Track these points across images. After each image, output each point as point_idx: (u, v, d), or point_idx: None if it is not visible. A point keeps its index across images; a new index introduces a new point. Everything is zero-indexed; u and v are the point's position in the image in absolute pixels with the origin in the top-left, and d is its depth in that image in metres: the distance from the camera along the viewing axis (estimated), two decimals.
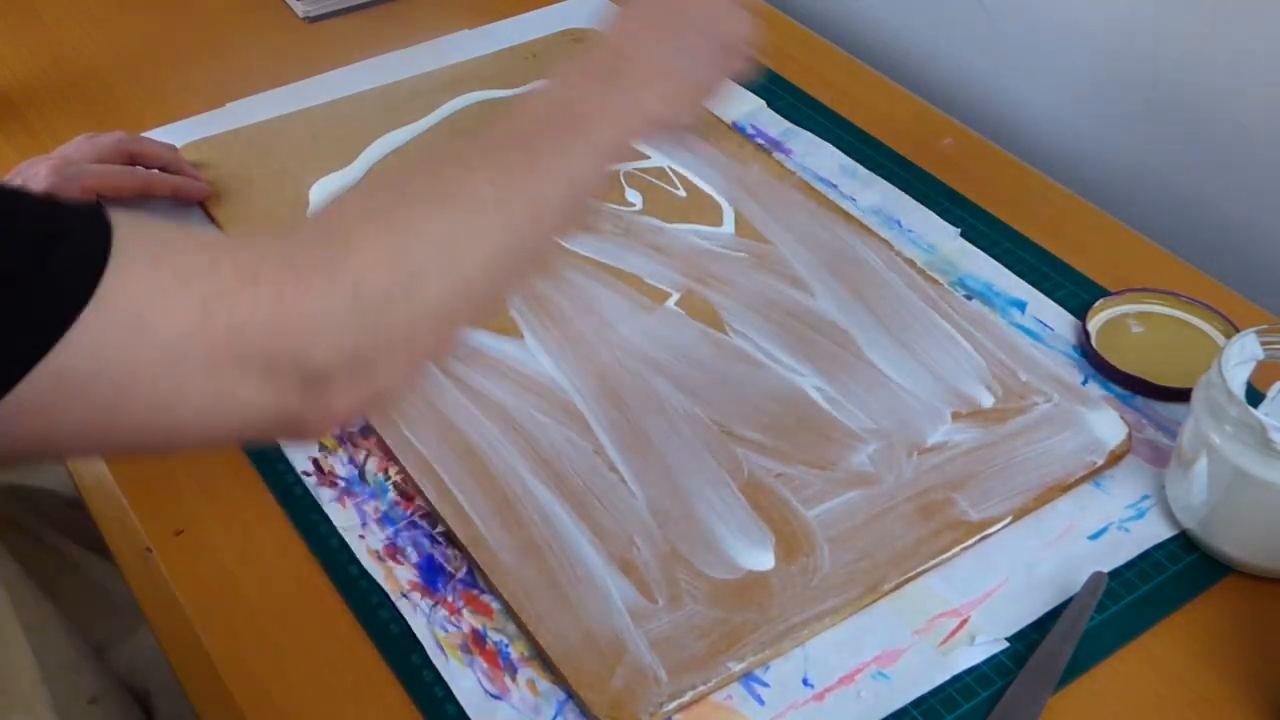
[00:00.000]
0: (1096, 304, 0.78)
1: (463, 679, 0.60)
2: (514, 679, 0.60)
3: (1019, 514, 0.66)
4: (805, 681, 0.60)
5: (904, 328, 0.76)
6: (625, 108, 0.58)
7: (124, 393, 0.43)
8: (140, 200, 0.83)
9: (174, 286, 0.43)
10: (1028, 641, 0.61)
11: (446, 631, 0.62)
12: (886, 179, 0.88)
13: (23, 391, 0.41)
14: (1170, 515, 0.67)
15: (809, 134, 0.93)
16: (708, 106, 0.65)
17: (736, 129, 0.92)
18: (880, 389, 0.72)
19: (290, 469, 0.69)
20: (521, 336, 0.75)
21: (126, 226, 0.43)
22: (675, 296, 0.78)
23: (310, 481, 0.68)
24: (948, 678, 0.60)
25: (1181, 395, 0.70)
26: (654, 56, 0.61)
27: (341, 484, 0.68)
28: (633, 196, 0.86)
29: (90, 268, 0.42)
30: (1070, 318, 0.78)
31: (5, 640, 0.69)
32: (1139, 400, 0.73)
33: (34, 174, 0.78)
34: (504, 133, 0.56)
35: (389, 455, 0.69)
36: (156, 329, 0.43)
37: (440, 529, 0.66)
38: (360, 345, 0.47)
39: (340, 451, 0.70)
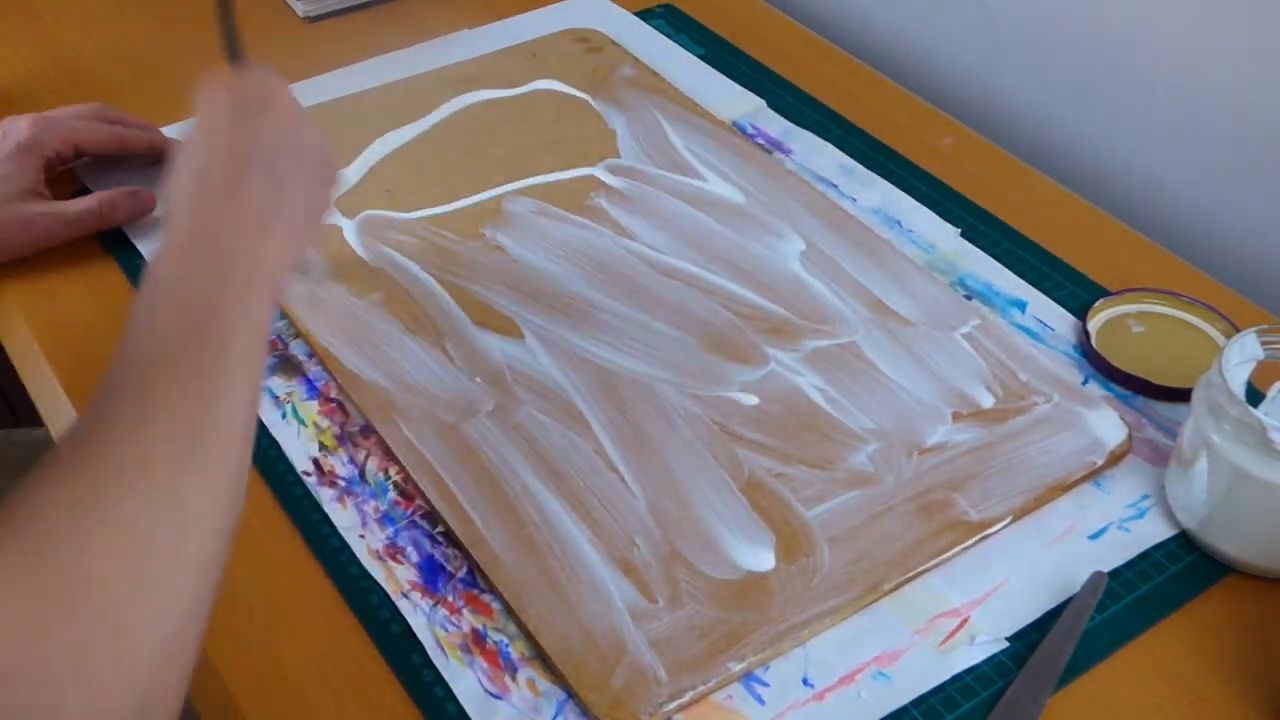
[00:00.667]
0: (1096, 304, 0.78)
1: (463, 679, 0.60)
2: (514, 679, 0.60)
3: (1019, 514, 0.66)
4: (805, 681, 0.60)
5: (904, 328, 0.76)
6: (245, 277, 0.55)
7: None
8: (118, 160, 0.86)
9: None
10: (1028, 641, 0.61)
11: (447, 631, 0.62)
12: (886, 179, 0.88)
13: None
14: (1170, 515, 0.67)
15: (809, 134, 0.93)
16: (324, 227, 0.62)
17: (737, 129, 0.93)
18: (880, 389, 0.72)
19: (290, 469, 0.69)
20: (522, 336, 0.75)
21: None
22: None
23: (310, 481, 0.68)
24: (948, 678, 0.60)
25: (1181, 395, 0.70)
26: (251, 203, 0.57)
27: (341, 484, 0.68)
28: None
29: None
30: (1070, 318, 0.78)
31: None
32: (1139, 400, 0.73)
33: (15, 127, 0.81)
34: (143, 358, 0.50)
35: (389, 455, 0.69)
36: None
37: (440, 529, 0.66)
38: (132, 678, 0.42)
39: (340, 451, 0.70)
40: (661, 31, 1.04)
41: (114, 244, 0.83)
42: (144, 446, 0.47)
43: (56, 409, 0.75)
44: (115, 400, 0.49)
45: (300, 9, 1.07)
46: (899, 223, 0.85)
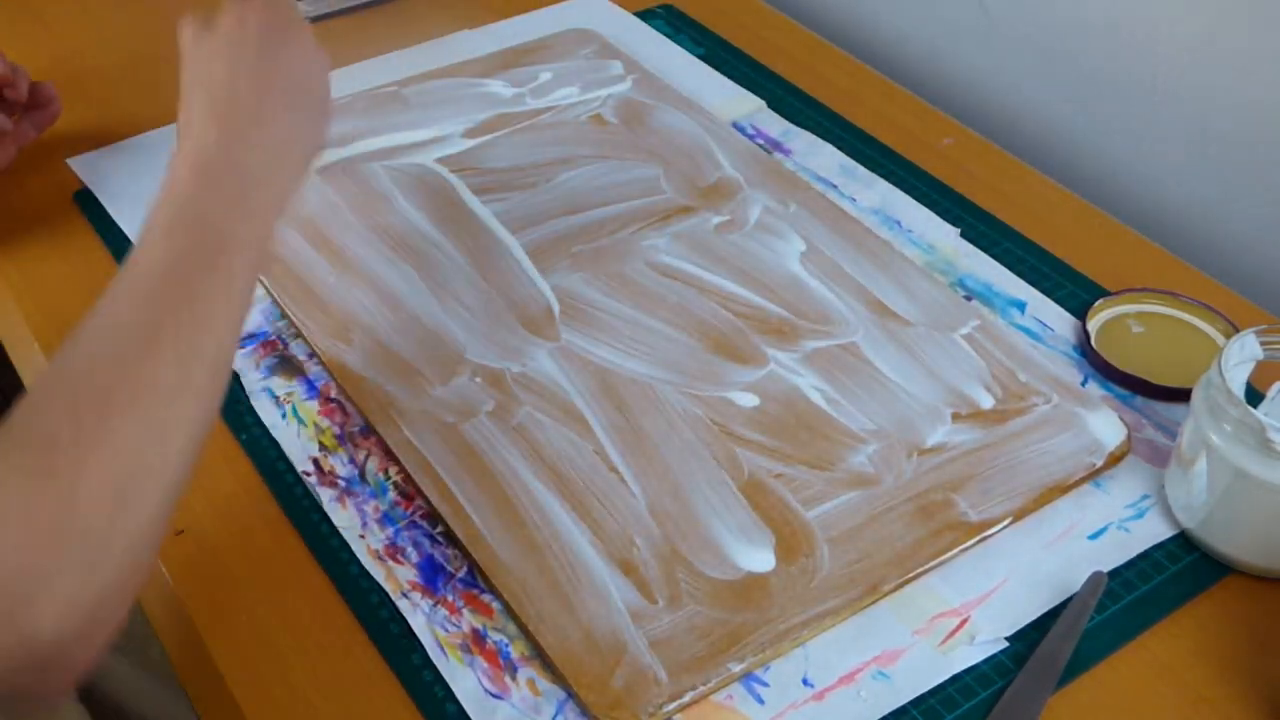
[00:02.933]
0: (1096, 304, 0.78)
1: (463, 678, 0.60)
2: (514, 678, 0.60)
3: (1019, 514, 0.66)
4: (805, 681, 0.60)
5: (903, 328, 0.76)
6: (261, 202, 0.57)
7: None
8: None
9: None
10: (1028, 641, 0.61)
11: (447, 631, 0.62)
12: (886, 179, 0.88)
13: None
14: (1170, 515, 0.67)
15: (809, 134, 0.93)
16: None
17: (737, 129, 0.93)
18: (880, 389, 0.72)
19: (290, 469, 0.69)
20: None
21: None
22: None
23: (310, 481, 0.68)
24: (948, 678, 0.60)
25: (1181, 395, 0.70)
26: (278, 130, 0.59)
27: (342, 484, 0.68)
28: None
29: None
30: (1070, 318, 0.78)
31: None
32: (1139, 400, 0.73)
33: None
34: (156, 276, 0.53)
35: (389, 455, 0.69)
36: None
37: (440, 529, 0.66)
38: (90, 598, 0.45)
39: (340, 451, 0.70)
40: (661, 31, 1.04)
41: (114, 243, 0.83)
42: (149, 375, 0.50)
43: None
44: (126, 314, 0.51)
45: (300, 9, 1.07)
46: (899, 223, 0.85)
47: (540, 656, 0.60)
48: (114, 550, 0.46)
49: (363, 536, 0.66)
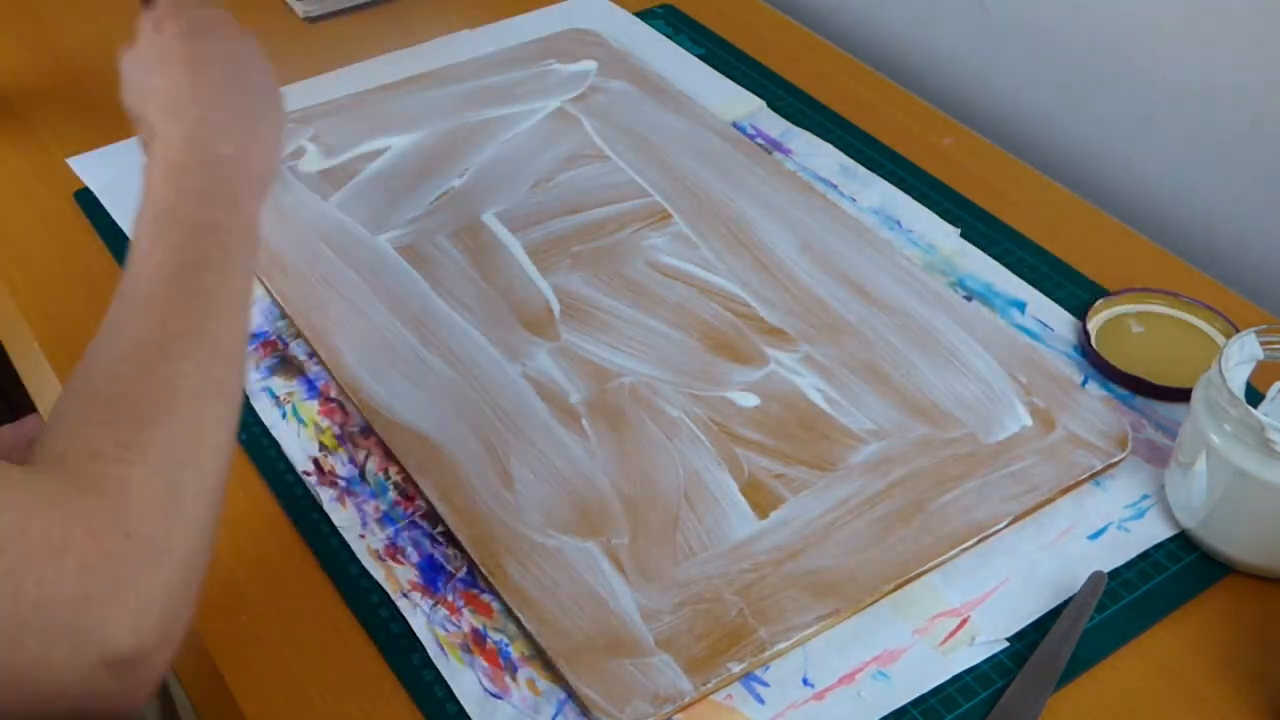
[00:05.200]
0: (1096, 304, 0.78)
1: (463, 678, 0.60)
2: (514, 678, 0.60)
3: (1019, 514, 0.66)
4: (805, 681, 0.60)
5: (903, 328, 0.76)
6: (240, 185, 0.57)
7: None
8: None
9: None
10: (1028, 641, 0.61)
11: (447, 631, 0.62)
12: (886, 179, 0.88)
13: None
14: (1170, 515, 0.67)
15: (809, 134, 0.93)
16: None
17: (737, 129, 0.93)
18: (880, 389, 0.72)
19: (290, 469, 0.69)
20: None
21: None
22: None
23: (310, 481, 0.68)
24: (948, 678, 0.60)
25: (1181, 395, 0.70)
26: (232, 106, 0.60)
27: (342, 484, 0.68)
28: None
29: None
30: (1070, 318, 0.78)
31: None
32: (1139, 400, 0.73)
33: None
34: (157, 282, 0.53)
35: (389, 455, 0.69)
36: None
37: (440, 529, 0.66)
38: (160, 600, 0.46)
39: (340, 451, 0.70)
40: (661, 31, 1.04)
41: (114, 243, 0.83)
42: (172, 379, 0.50)
43: None
44: (136, 325, 0.52)
45: (300, 9, 1.07)
46: (899, 223, 0.85)
47: (540, 656, 0.60)
48: (173, 550, 0.47)
49: (363, 536, 0.66)
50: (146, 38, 0.63)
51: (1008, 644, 0.61)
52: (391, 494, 0.68)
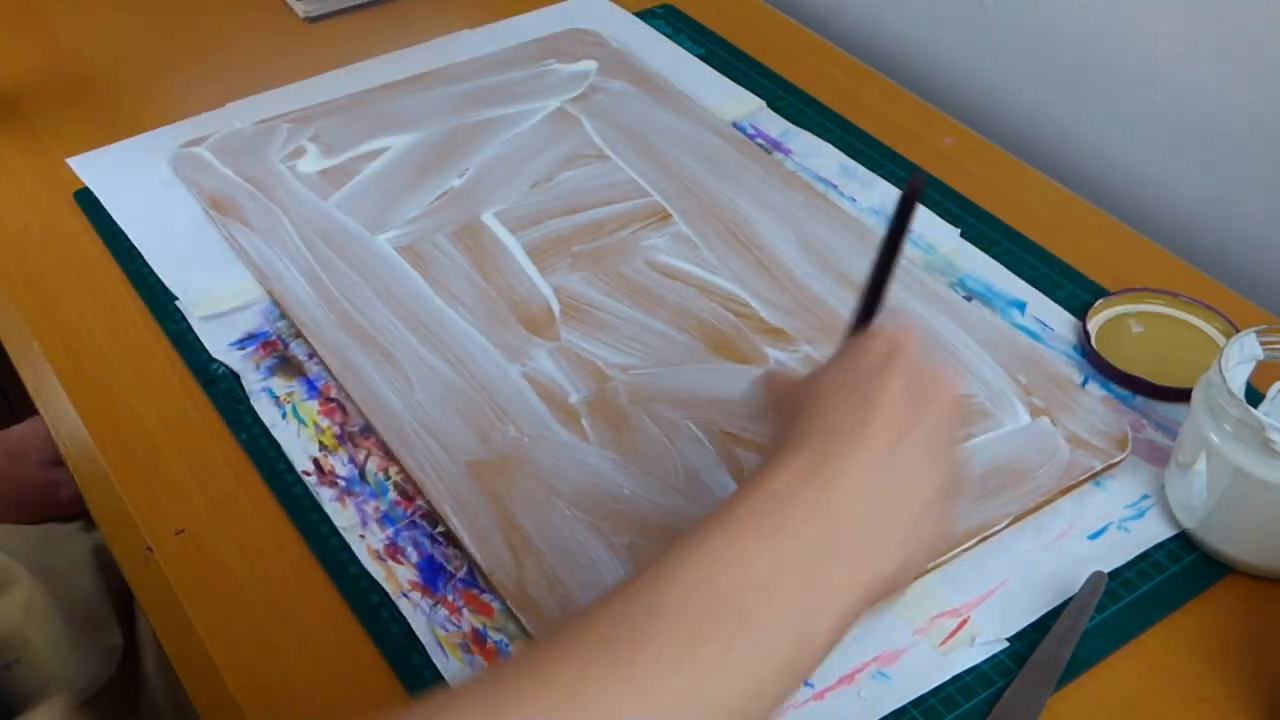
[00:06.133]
0: (1096, 304, 0.78)
1: (463, 678, 0.60)
2: None
3: (1019, 515, 0.66)
4: (805, 681, 0.60)
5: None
6: (827, 595, 0.42)
7: None
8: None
9: None
10: (1028, 641, 0.61)
11: (447, 631, 0.62)
12: (886, 179, 0.88)
13: None
14: (1170, 515, 0.67)
15: (809, 134, 0.93)
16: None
17: (737, 129, 0.93)
18: None
19: (290, 469, 0.69)
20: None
21: None
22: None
23: (310, 481, 0.68)
24: (948, 678, 0.60)
25: (1181, 395, 0.70)
26: (885, 494, 0.45)
27: (342, 484, 0.68)
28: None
29: None
30: (1070, 318, 0.78)
31: None
32: (1139, 400, 0.73)
33: None
34: (632, 628, 0.39)
35: (389, 455, 0.69)
36: None
37: (440, 529, 0.66)
38: None
39: (340, 451, 0.70)
40: (661, 31, 1.04)
41: (115, 241, 0.83)
42: None
43: (56, 409, 0.75)
44: (554, 667, 0.39)
45: (300, 9, 1.07)
46: None
47: None
48: None
49: (363, 536, 0.66)
50: (895, 359, 0.49)
51: (1008, 644, 0.61)
52: (391, 494, 0.68)
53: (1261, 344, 0.65)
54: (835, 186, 0.88)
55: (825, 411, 0.47)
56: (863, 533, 0.44)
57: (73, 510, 0.89)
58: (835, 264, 0.80)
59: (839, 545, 0.43)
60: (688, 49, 1.02)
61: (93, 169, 0.89)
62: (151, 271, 0.81)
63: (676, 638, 0.39)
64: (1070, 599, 0.62)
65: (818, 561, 0.43)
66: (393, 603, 0.63)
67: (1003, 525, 0.65)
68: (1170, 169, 0.90)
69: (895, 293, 0.78)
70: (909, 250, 0.82)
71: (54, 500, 0.97)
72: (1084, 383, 0.74)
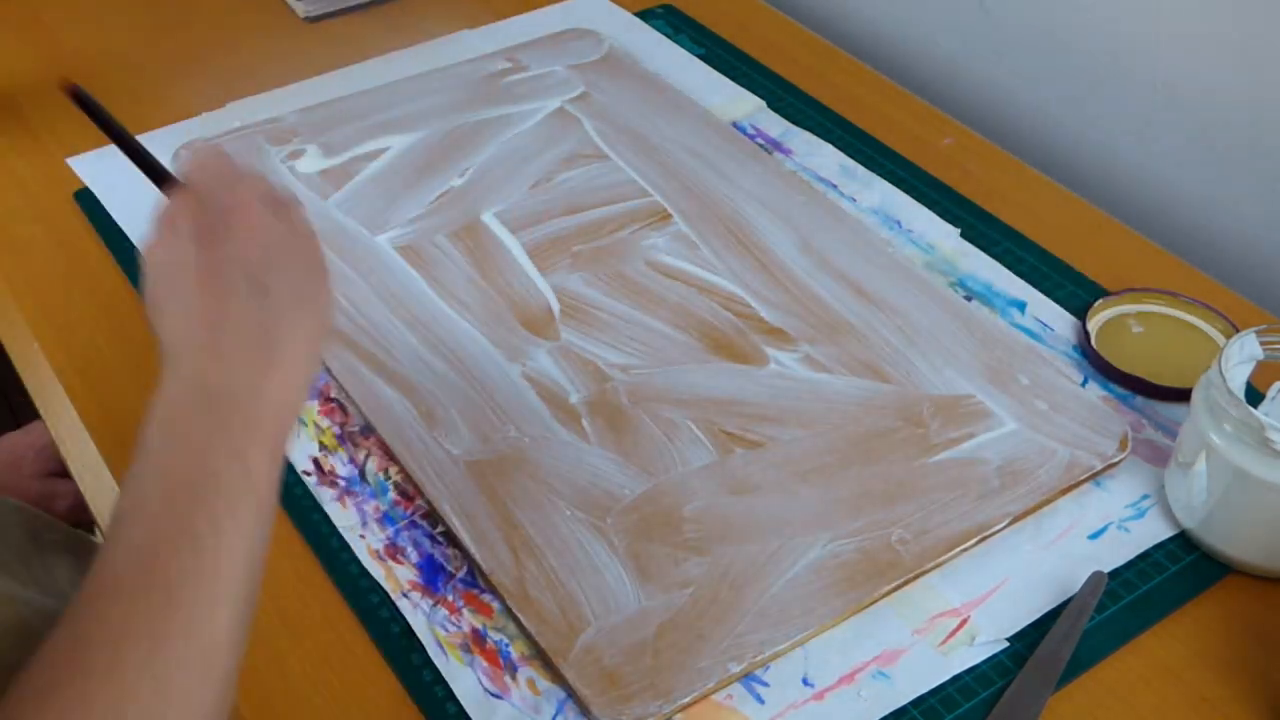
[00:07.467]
0: (1096, 304, 0.78)
1: (463, 678, 0.60)
2: (514, 678, 0.60)
3: (1019, 514, 0.66)
4: (805, 681, 0.60)
5: (903, 329, 0.76)
6: (256, 424, 0.50)
7: None
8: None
9: None
10: (1028, 641, 0.61)
11: (447, 631, 0.62)
12: (886, 179, 0.88)
13: None
14: (1170, 515, 0.67)
15: (809, 134, 0.93)
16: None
17: (737, 129, 0.93)
18: (879, 389, 0.72)
19: (290, 469, 0.69)
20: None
21: None
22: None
23: (310, 481, 0.68)
24: (948, 678, 0.60)
25: (1181, 395, 0.70)
26: (241, 335, 0.51)
27: (342, 484, 0.68)
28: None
29: None
30: (1070, 318, 0.78)
31: None
32: (1139, 400, 0.73)
33: None
34: (126, 567, 0.45)
35: (389, 455, 0.69)
36: None
37: (440, 529, 0.66)
38: None
39: (340, 451, 0.70)
40: (661, 31, 1.04)
41: (114, 243, 0.83)
42: (119, 696, 0.43)
43: (57, 410, 0.75)
44: (87, 625, 0.45)
45: (300, 9, 1.07)
46: (899, 223, 0.85)
47: (540, 656, 0.60)
48: None
49: (363, 536, 0.66)
50: (160, 237, 0.55)
51: (1008, 644, 0.61)
52: (391, 494, 0.68)
53: (1261, 344, 0.65)
54: (835, 186, 0.88)
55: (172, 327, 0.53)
56: (240, 379, 0.51)
57: (70, 522, 0.89)
58: (835, 264, 0.80)
59: (226, 408, 0.50)
60: (688, 49, 1.02)
61: (93, 169, 0.89)
62: None
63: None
64: (1070, 599, 0.62)
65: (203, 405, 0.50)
66: (393, 603, 0.63)
67: (1003, 525, 0.65)
68: (1171, 169, 0.90)
69: (895, 293, 0.78)
70: (909, 250, 0.82)
71: (51, 513, 0.97)
72: (1084, 383, 0.74)
